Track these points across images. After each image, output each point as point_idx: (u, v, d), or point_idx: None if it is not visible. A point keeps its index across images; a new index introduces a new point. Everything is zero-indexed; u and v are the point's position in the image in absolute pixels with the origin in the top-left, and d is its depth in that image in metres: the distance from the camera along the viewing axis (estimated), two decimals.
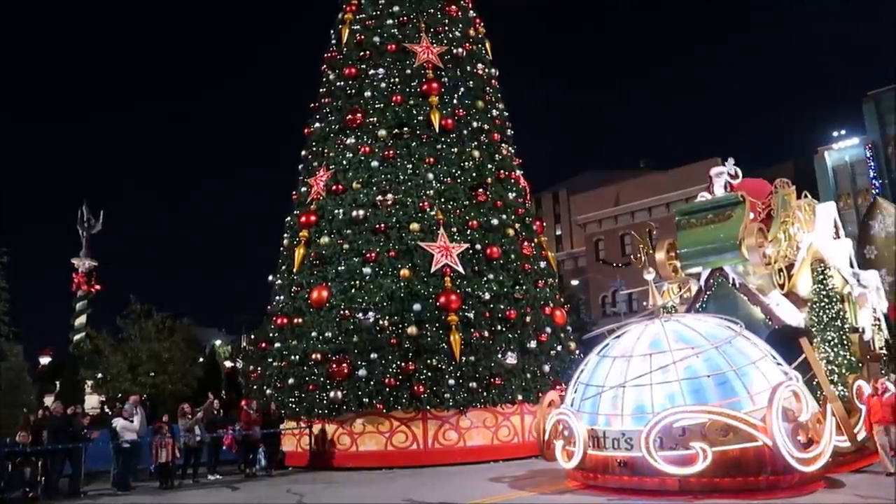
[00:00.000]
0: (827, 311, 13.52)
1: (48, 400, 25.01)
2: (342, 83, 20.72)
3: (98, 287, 30.50)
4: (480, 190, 19.14)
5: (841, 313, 13.61)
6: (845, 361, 13.24)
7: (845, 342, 13.40)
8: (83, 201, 31.33)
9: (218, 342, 45.42)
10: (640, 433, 10.24)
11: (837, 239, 15.42)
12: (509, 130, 21.56)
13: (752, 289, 14.03)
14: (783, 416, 9.94)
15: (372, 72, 20.24)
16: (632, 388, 11.01)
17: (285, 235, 20.43)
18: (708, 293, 14.46)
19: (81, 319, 29.81)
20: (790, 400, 10.25)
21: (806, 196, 15.32)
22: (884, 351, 15.27)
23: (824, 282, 13.73)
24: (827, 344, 13.36)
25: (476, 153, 19.61)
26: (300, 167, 21.28)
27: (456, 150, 19.40)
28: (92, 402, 29.10)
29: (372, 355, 16.71)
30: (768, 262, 13.85)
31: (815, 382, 11.70)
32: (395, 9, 21.00)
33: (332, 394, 16.63)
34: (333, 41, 22.00)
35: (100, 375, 28.81)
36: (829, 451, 10.36)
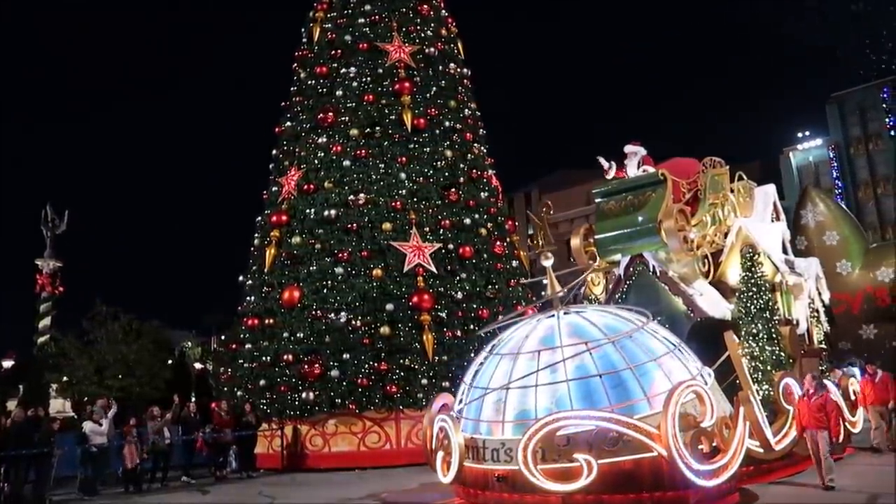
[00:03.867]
0: (755, 302, 12.25)
1: (11, 404, 24.46)
2: (313, 82, 20.61)
3: (62, 288, 29.89)
4: (453, 189, 19.18)
5: (770, 304, 12.33)
6: (772, 357, 12.00)
7: (774, 336, 12.13)
8: (47, 201, 30.69)
9: (188, 344, 44.82)
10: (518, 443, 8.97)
11: (775, 223, 14.40)
12: (481, 130, 21.64)
13: (673, 277, 12.81)
14: (683, 421, 8.73)
15: (343, 71, 20.16)
16: (516, 391, 9.70)
17: (256, 235, 20.24)
18: (628, 283, 13.22)
19: (46, 321, 29.18)
20: (693, 403, 9.06)
21: (742, 178, 14.19)
22: (823, 345, 14.21)
23: (753, 269, 12.45)
24: (752, 338, 12.08)
25: (448, 153, 19.63)
26: (271, 166, 21.11)
27: (428, 149, 19.40)
28: (56, 405, 28.51)
29: (344, 356, 16.63)
30: (691, 248, 12.68)
31: (738, 382, 10.65)
32: (367, 7, 20.94)
33: (304, 395, 16.51)
34: (304, 39, 21.86)
35: (65, 379, 28.24)
36: (738, 462, 9.16)
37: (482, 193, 20.11)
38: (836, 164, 55.09)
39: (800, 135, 57.47)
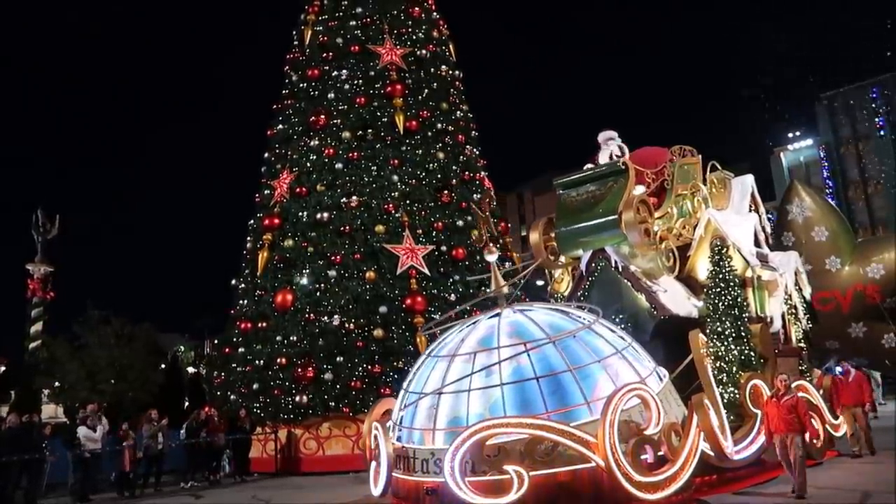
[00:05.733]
0: (722, 298, 11.40)
1: (3, 410, 24.32)
2: (305, 84, 20.59)
3: (53, 293, 29.74)
4: (445, 191, 19.19)
5: (739, 300, 11.48)
6: (740, 357, 11.10)
7: (743, 334, 11.23)
8: (38, 206, 30.54)
9: (181, 348, 44.64)
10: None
11: (749, 214, 13.53)
12: (474, 132, 21.66)
13: (636, 273, 12.00)
14: (625, 429, 8.10)
15: (335, 73, 20.16)
16: (449, 397, 9.00)
17: (248, 238, 20.19)
18: (590, 279, 12.41)
19: (37, 327, 29.02)
20: (640, 408, 8.39)
21: (715, 168, 13.41)
22: (802, 344, 13.39)
23: (721, 263, 11.63)
24: (718, 336, 11.21)
25: (441, 155, 19.65)
26: (263, 169, 21.07)
27: (420, 151, 19.41)
28: (49, 411, 28.35)
29: (338, 358, 16.61)
30: (654, 242, 11.88)
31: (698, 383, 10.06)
32: (359, 10, 20.95)
33: (297, 398, 16.48)
34: (296, 42, 21.86)
35: (57, 384, 28.08)
36: (689, 472, 8.45)
37: (475, 195, 20.13)
38: (826, 164, 55.50)
39: (790, 135, 57.92)
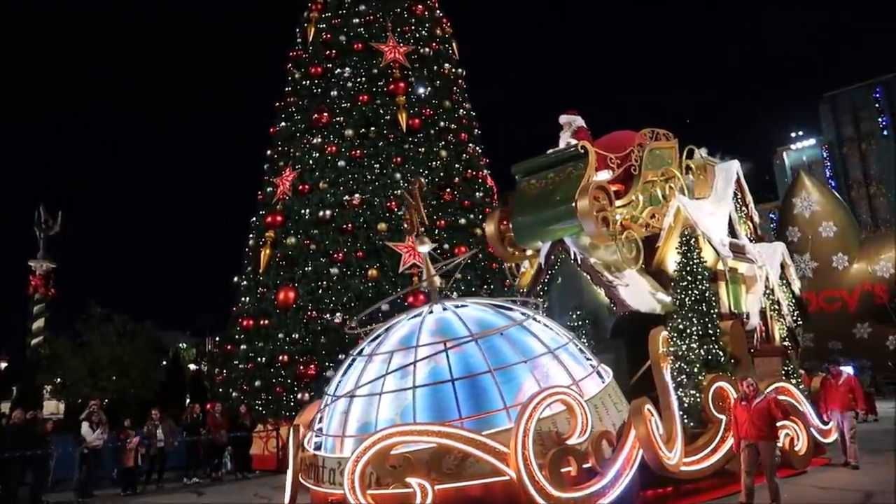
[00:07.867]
0: (689, 293, 10.44)
1: (5, 406, 24.38)
2: (308, 82, 20.63)
3: (55, 290, 29.77)
4: (448, 190, 19.20)
5: (707, 295, 10.48)
6: (706, 357, 10.15)
7: (710, 332, 10.24)
8: (41, 202, 30.56)
9: (183, 345, 44.71)
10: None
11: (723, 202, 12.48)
12: (476, 130, 21.67)
13: (595, 265, 11.05)
14: (547, 438, 7.37)
15: (338, 71, 20.20)
16: (361, 401, 8.34)
17: (250, 236, 20.21)
18: (549, 273, 11.60)
19: (39, 323, 29.05)
20: (566, 415, 7.61)
21: (692, 153, 12.52)
22: (787, 343, 12.54)
23: (689, 255, 10.66)
24: (679, 334, 10.24)
25: (443, 153, 19.68)
26: (265, 167, 21.09)
27: (423, 149, 19.45)
28: (50, 407, 28.43)
29: (340, 356, 16.59)
30: (613, 232, 10.98)
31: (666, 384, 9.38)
32: (362, 8, 20.99)
33: (299, 396, 16.50)
34: (299, 40, 21.88)
35: (59, 381, 28.14)
36: (622, 485, 7.66)
37: (477, 193, 20.15)
38: (829, 164, 55.48)
39: (793, 135, 57.99)
